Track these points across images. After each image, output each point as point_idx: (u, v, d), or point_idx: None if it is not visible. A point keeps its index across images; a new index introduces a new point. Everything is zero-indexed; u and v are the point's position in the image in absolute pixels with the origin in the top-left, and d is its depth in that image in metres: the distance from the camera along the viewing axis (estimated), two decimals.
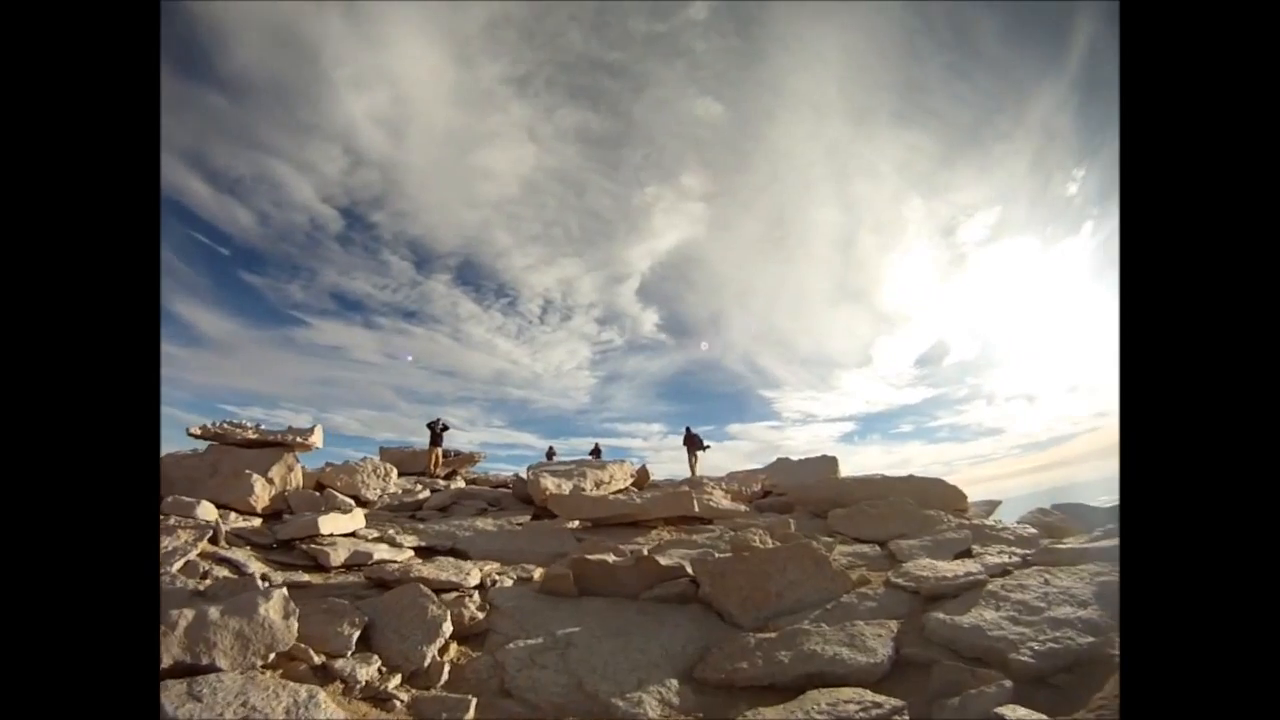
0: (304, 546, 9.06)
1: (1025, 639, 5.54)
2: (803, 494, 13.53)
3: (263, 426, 12.78)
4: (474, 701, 5.28)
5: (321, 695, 4.91)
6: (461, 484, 16.40)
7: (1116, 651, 5.03)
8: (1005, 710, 4.50)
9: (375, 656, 5.87)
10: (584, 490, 13.27)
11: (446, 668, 5.86)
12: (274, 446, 12.42)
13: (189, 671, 4.91)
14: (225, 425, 12.54)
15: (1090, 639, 5.35)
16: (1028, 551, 8.28)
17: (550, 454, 23.09)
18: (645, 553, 8.30)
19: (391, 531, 10.53)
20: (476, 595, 7.27)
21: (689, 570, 7.52)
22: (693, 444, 20.74)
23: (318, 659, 5.74)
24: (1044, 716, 4.38)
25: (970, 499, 12.50)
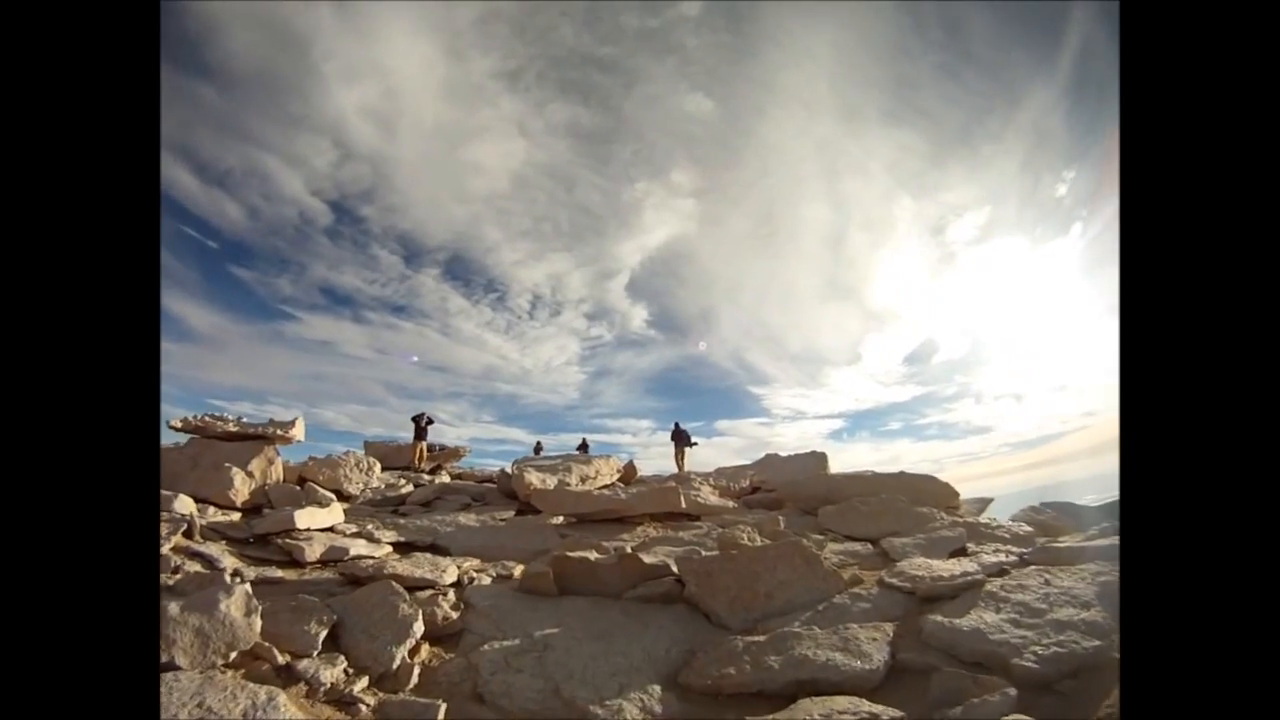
0: (279, 541, 8.68)
1: (1028, 643, 5.22)
2: (792, 490, 13.17)
3: (244, 420, 12.40)
4: (443, 707, 4.89)
5: (282, 698, 4.59)
6: (446, 479, 15.97)
7: None
8: None
9: (341, 657, 5.47)
10: (569, 485, 12.84)
11: (417, 670, 5.46)
12: (254, 439, 12.08)
13: None
14: (206, 418, 12.21)
15: (1096, 642, 5.04)
16: (1024, 550, 8.02)
17: (538, 449, 22.72)
18: (629, 550, 7.86)
19: (370, 527, 10.11)
20: (452, 594, 6.83)
21: (674, 569, 7.08)
22: (680, 440, 20.39)
23: (282, 659, 5.38)
24: None
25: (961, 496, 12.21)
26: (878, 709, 4.57)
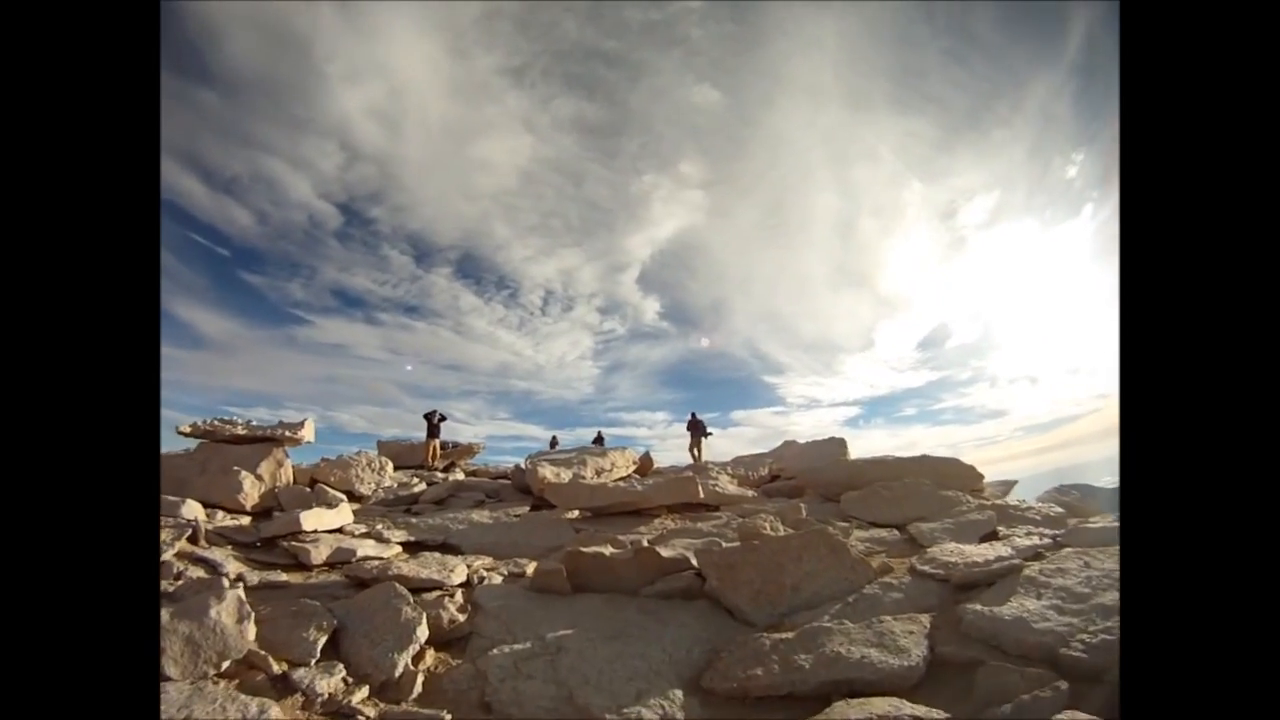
0: (286, 544, 8.32)
1: (1074, 631, 4.76)
2: (812, 477, 12.68)
3: (254, 423, 12.06)
4: (448, 718, 4.50)
5: (274, 710, 4.33)
6: (460, 476, 15.58)
7: None
8: (1064, 718, 3.73)
9: (340, 665, 5.08)
10: (584, 479, 12.41)
11: (420, 678, 5.05)
12: (263, 442, 11.69)
13: None
14: (215, 422, 11.84)
15: None
16: (1057, 532, 7.56)
17: (554, 443, 22.37)
18: (646, 544, 7.37)
19: (380, 527, 9.72)
20: (459, 595, 6.39)
21: (694, 562, 6.58)
22: (696, 430, 19.96)
23: (278, 667, 5.02)
24: None
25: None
26: (920, 710, 4.15)
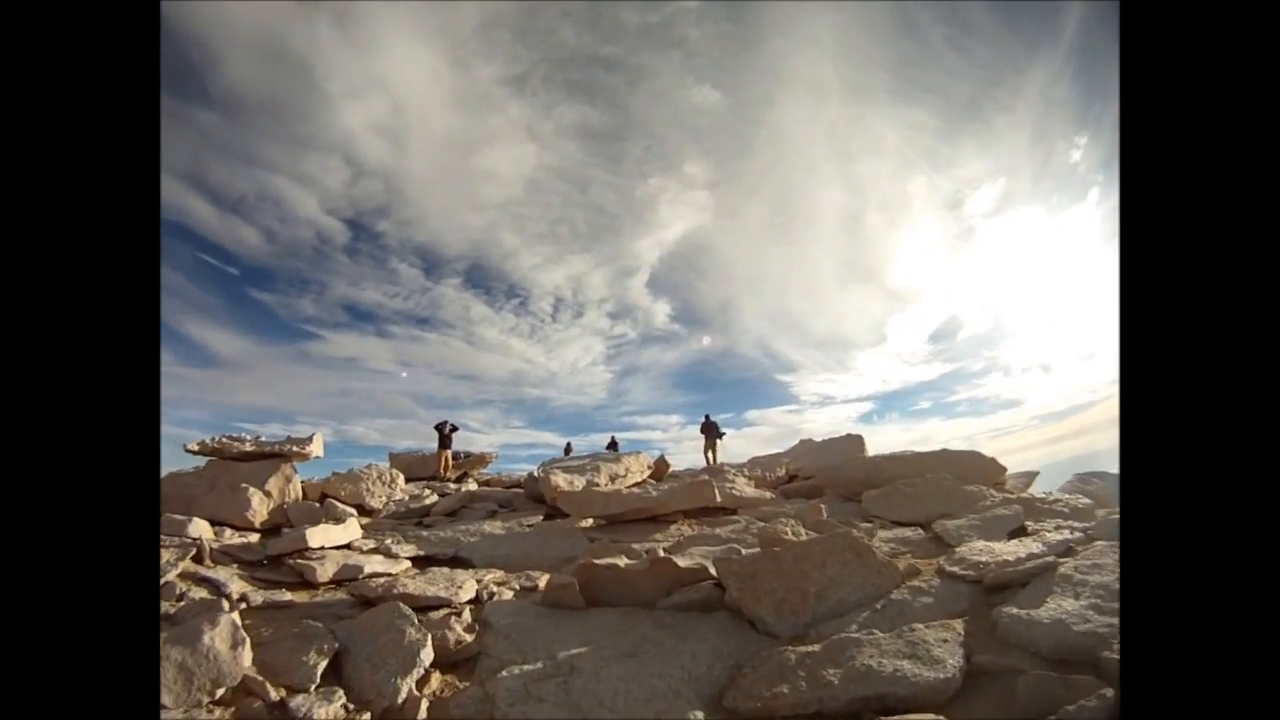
0: (291, 562, 8.03)
1: (1117, 632, 4.36)
2: (831, 476, 12.32)
3: (262, 439, 11.83)
4: None
5: None
6: (473, 486, 15.27)
7: None
8: None
9: (340, 691, 4.78)
10: (597, 486, 12.06)
11: (425, 704, 4.72)
12: (271, 458, 11.50)
13: None
14: (223, 439, 11.65)
15: None
16: (1087, 525, 7.26)
17: (568, 450, 22.05)
18: (662, 552, 7.01)
19: (389, 541, 9.42)
20: (467, 613, 6.05)
21: (712, 572, 6.22)
22: (710, 432, 19.60)
23: (275, 694, 4.75)
24: None
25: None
26: None
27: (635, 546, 8.03)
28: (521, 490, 13.93)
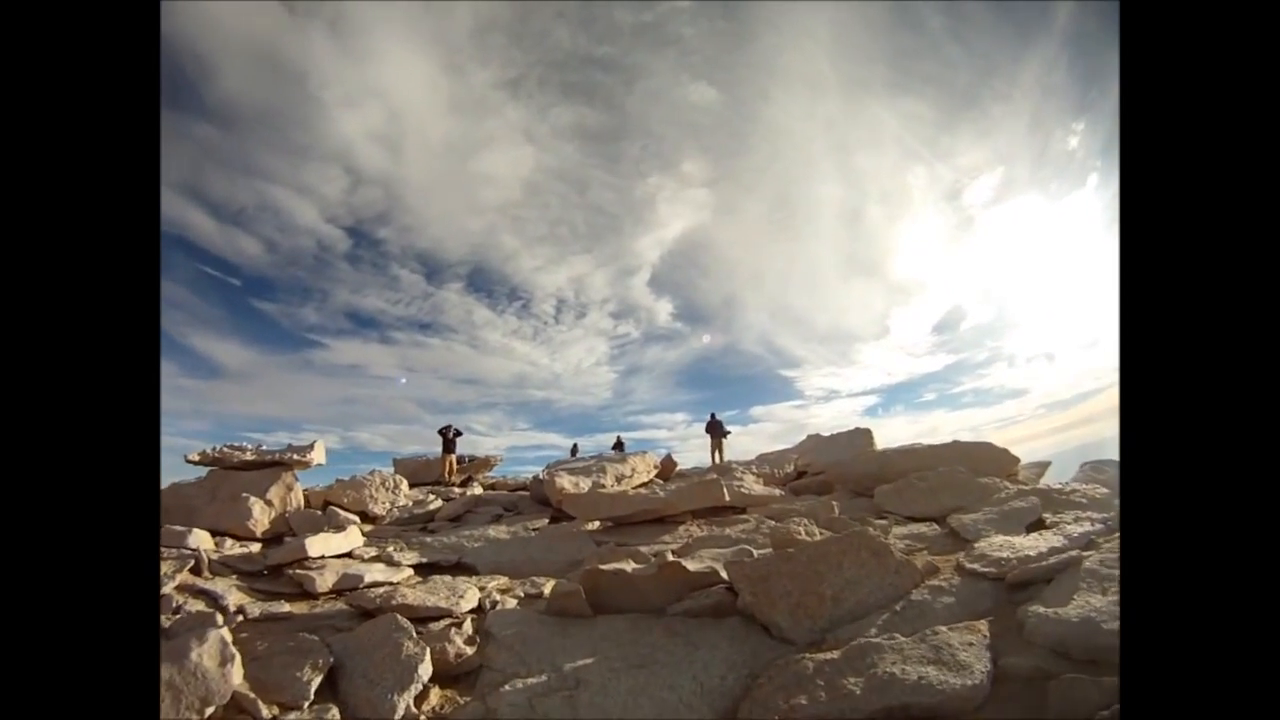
0: (290, 572, 7.78)
1: None
2: (841, 471, 12.04)
3: (263, 448, 11.59)
4: None
5: None
6: (478, 490, 15.00)
7: None
8: None
9: (334, 710, 4.55)
10: (603, 487, 11.78)
11: None
12: (273, 467, 11.22)
13: None
14: (223, 449, 11.41)
15: None
16: (1106, 515, 6.93)
17: (574, 451, 21.80)
18: (670, 556, 6.72)
19: (391, 549, 9.16)
20: (468, 624, 5.78)
21: (723, 575, 5.92)
22: (715, 431, 19.31)
23: (267, 712, 4.54)
24: None
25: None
26: None
27: (643, 549, 7.76)
28: (527, 493, 13.67)
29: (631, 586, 5.94)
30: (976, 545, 6.47)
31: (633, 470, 13.45)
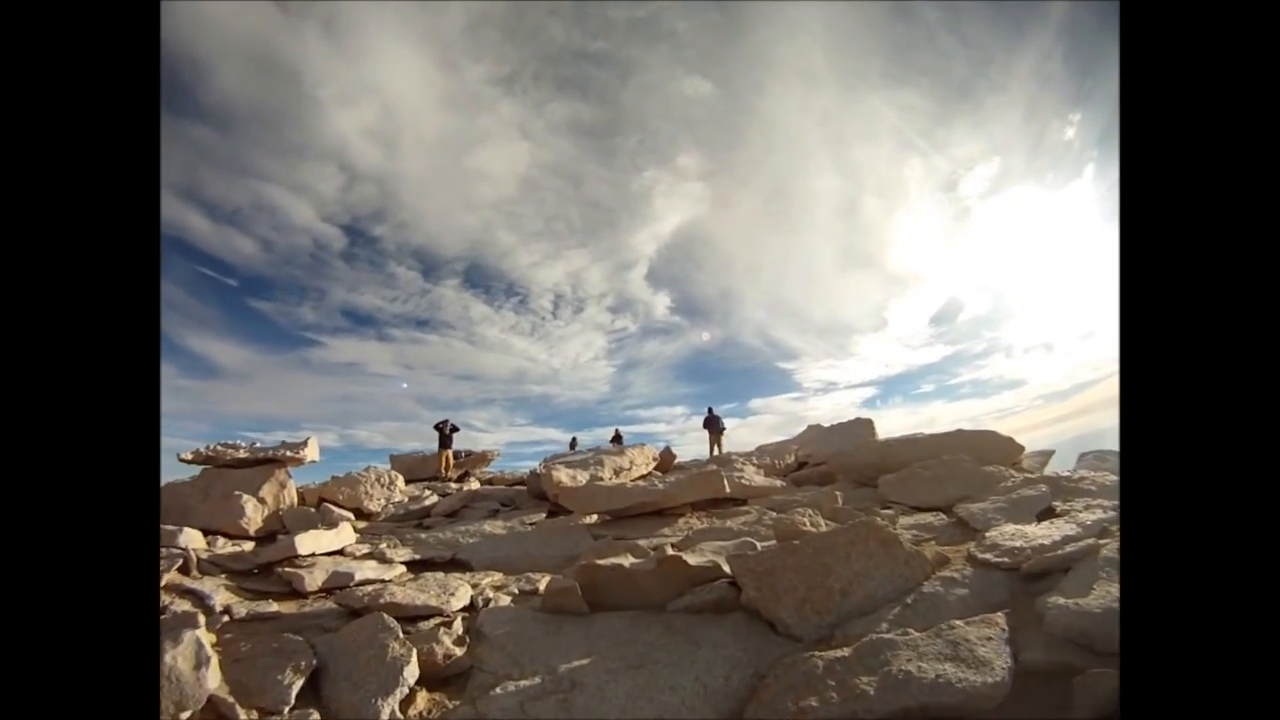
0: (280, 571, 7.49)
1: None
2: (843, 461, 11.74)
3: (256, 445, 11.31)
4: None
5: None
6: (475, 485, 14.70)
7: None
8: None
9: (315, 715, 4.24)
10: (601, 480, 11.45)
11: None
12: (265, 464, 10.92)
13: None
14: (216, 447, 11.13)
15: None
16: (1118, 503, 6.50)
17: (573, 444, 21.55)
18: (670, 550, 6.38)
19: (384, 546, 8.85)
20: (458, 623, 5.45)
21: (726, 570, 5.57)
22: (713, 426, 19.08)
23: (245, 716, 4.25)
24: None
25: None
26: None
27: (642, 543, 7.42)
28: (524, 488, 13.36)
29: (630, 582, 5.62)
30: (988, 535, 6.16)
31: (631, 463, 13.14)
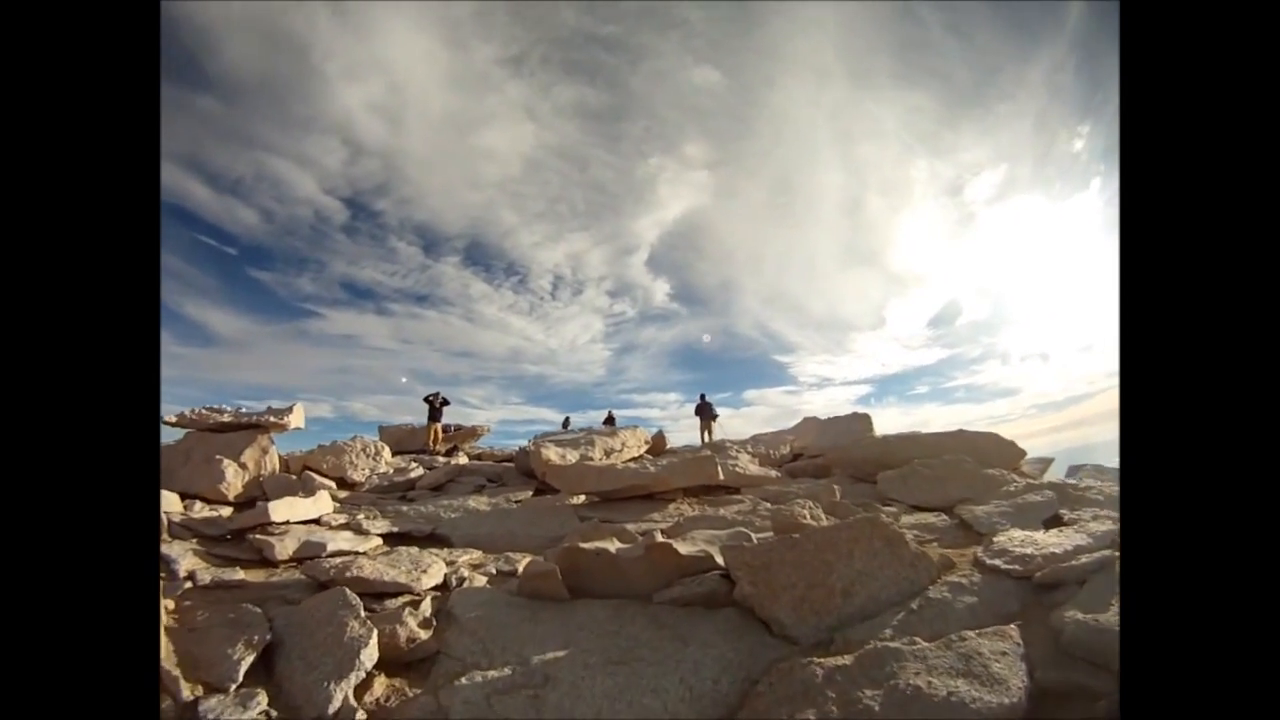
0: (251, 538, 7.08)
1: None
2: (841, 455, 11.31)
3: (241, 410, 10.89)
4: None
5: None
6: (464, 460, 14.24)
7: None
8: None
9: (262, 695, 3.80)
10: (591, 460, 11.00)
11: (362, 716, 3.72)
12: (248, 429, 10.54)
13: None
14: (201, 411, 10.74)
15: None
16: None
17: (566, 424, 21.14)
18: (660, 536, 5.91)
19: (362, 517, 8.41)
20: (427, 603, 4.98)
21: (719, 561, 5.10)
22: (705, 413, 18.77)
23: (189, 692, 3.82)
24: None
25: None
26: None
27: (630, 527, 6.97)
28: (513, 465, 12.92)
29: (615, 568, 5.15)
30: (995, 540, 5.73)
31: (623, 444, 12.69)
